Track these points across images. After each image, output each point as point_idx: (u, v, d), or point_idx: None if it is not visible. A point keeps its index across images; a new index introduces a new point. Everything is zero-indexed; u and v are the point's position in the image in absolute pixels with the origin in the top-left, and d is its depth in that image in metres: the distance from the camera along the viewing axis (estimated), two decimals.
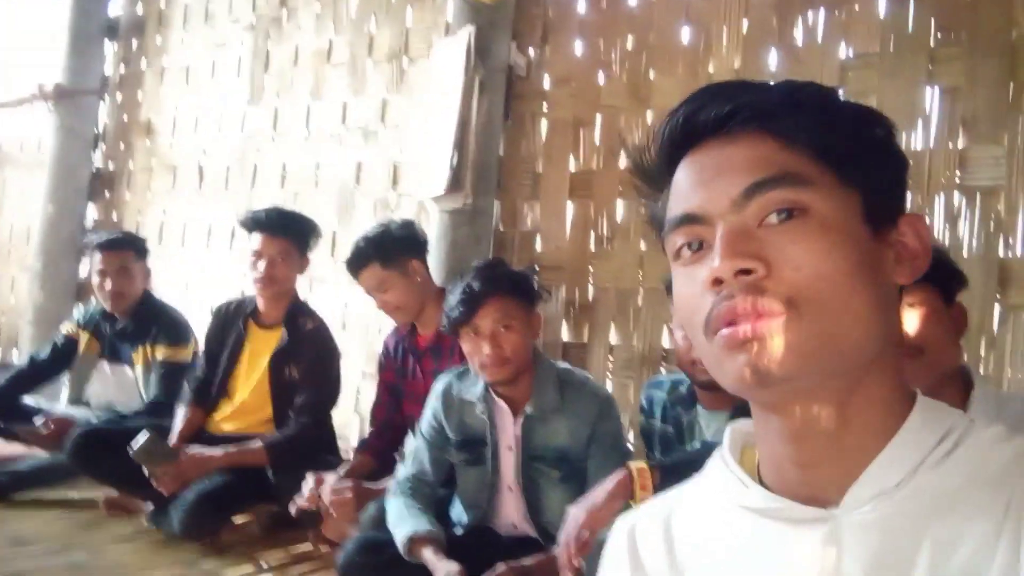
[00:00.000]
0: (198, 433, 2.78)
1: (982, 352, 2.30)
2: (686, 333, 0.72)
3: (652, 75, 3.05)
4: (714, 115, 0.66)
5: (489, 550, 1.96)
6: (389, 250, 2.52)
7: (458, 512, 2.16)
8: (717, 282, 0.61)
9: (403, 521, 1.92)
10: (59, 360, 3.24)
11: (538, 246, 3.27)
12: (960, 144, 2.41)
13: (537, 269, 2.93)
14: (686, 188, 0.67)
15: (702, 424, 1.88)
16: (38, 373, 3.25)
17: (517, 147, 3.31)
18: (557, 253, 3.20)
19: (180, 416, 2.80)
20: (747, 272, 0.60)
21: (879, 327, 0.62)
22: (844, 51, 2.65)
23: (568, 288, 3.17)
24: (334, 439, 2.90)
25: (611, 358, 3.05)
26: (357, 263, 2.54)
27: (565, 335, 3.15)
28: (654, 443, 1.97)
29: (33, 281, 4.95)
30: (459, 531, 2.10)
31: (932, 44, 2.48)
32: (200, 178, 4.64)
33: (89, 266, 3.25)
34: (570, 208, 3.19)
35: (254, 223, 2.78)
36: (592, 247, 3.14)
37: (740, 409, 1.78)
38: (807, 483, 0.65)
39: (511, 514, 2.05)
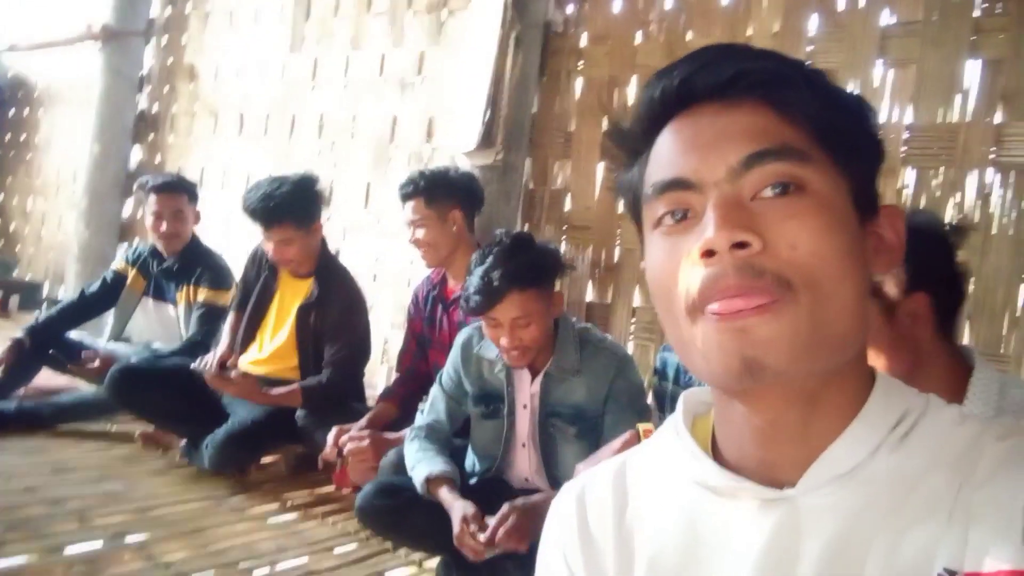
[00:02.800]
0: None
1: (1004, 331, 2.29)
2: (657, 309, 0.66)
3: (690, 36, 3.01)
4: (715, 78, 0.63)
5: (501, 499, 2.04)
6: (437, 191, 2.59)
7: (471, 462, 2.23)
8: (709, 254, 0.58)
9: (420, 463, 2.00)
10: (107, 295, 3.39)
11: (567, 205, 3.29)
12: (998, 119, 2.36)
13: (562, 247, 2.97)
14: (675, 152, 0.64)
15: None
16: (87, 307, 3.40)
17: (551, 104, 3.31)
18: (586, 213, 3.22)
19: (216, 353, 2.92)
20: (742, 246, 0.57)
21: (863, 316, 0.61)
22: (886, 17, 2.59)
23: (595, 248, 3.19)
24: (362, 388, 3.00)
25: (633, 320, 3.08)
26: (405, 193, 2.61)
27: (589, 295, 3.18)
28: (666, 405, 2.01)
29: (79, 219, 5.10)
30: (472, 481, 2.18)
31: (977, 14, 2.42)
32: (241, 123, 4.71)
33: (143, 206, 3.35)
34: (601, 168, 3.20)
35: (249, 216, 2.79)
36: (621, 208, 3.14)
37: None
38: (764, 462, 0.64)
39: (524, 468, 2.12)
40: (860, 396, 0.63)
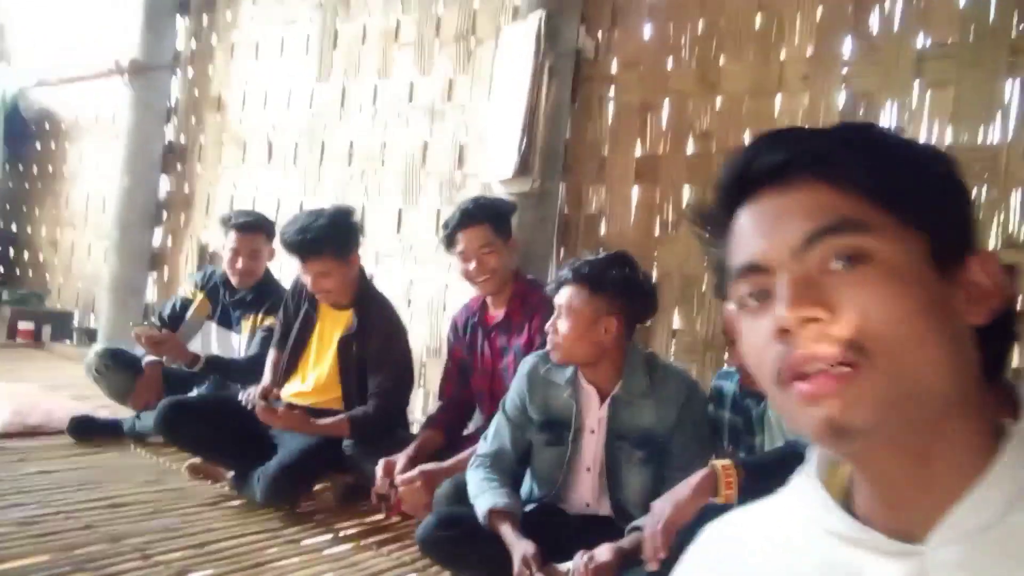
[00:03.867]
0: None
1: None
2: (759, 382, 0.68)
3: (722, 60, 3.05)
4: (768, 164, 0.66)
5: (558, 529, 2.06)
6: (502, 218, 2.65)
7: (528, 488, 2.25)
8: (783, 332, 0.61)
9: (483, 493, 2.02)
10: (175, 320, 3.47)
11: (603, 229, 3.32)
12: None
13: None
14: (746, 238, 0.67)
15: (771, 417, 1.92)
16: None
17: (584, 131, 3.35)
18: (621, 237, 3.24)
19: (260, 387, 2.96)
20: (814, 320, 0.59)
21: (954, 369, 0.61)
22: (921, 40, 2.62)
23: None
24: (406, 416, 3.02)
25: (673, 342, 3.10)
26: (467, 220, 2.60)
27: None
28: (723, 433, 2.03)
29: (110, 249, 5.17)
30: (529, 507, 2.19)
31: (1013, 35, 2.44)
32: (269, 153, 4.77)
33: (224, 241, 3.43)
34: (636, 192, 3.23)
35: (293, 250, 2.80)
36: (657, 231, 3.18)
37: None
38: (892, 516, 0.65)
39: (585, 493, 2.13)
40: (986, 453, 0.63)
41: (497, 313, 2.69)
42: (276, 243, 3.39)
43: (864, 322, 0.59)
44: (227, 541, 2.34)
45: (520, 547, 1.86)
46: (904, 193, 0.63)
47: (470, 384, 2.80)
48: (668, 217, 3.15)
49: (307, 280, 2.85)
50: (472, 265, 2.59)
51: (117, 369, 3.31)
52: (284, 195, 4.61)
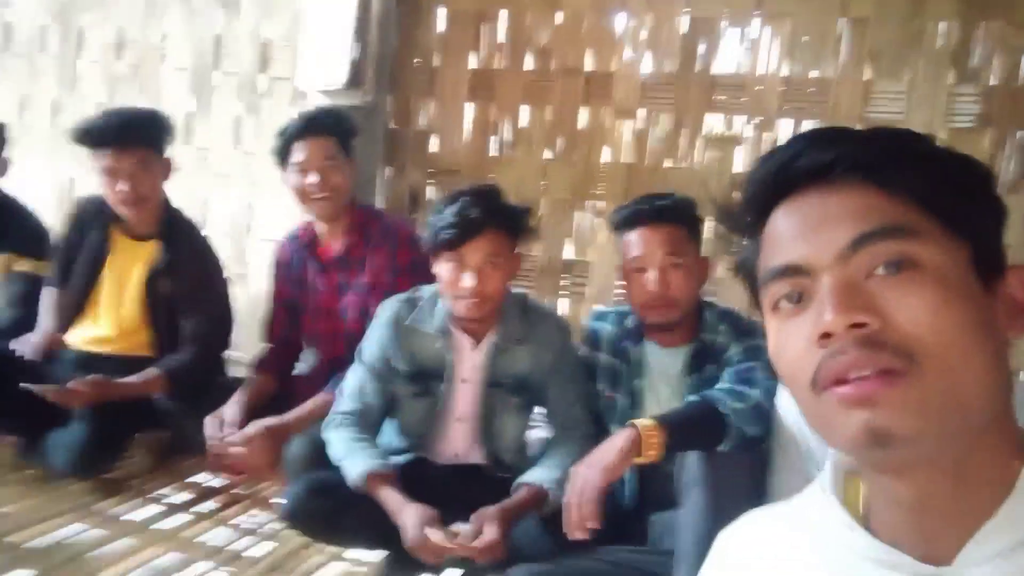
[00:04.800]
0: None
1: None
2: (785, 385, 0.68)
3: None
4: (815, 163, 0.64)
5: (428, 482, 1.94)
6: (348, 133, 2.37)
7: (388, 441, 2.10)
8: (826, 336, 0.60)
9: (353, 454, 1.84)
10: None
11: (435, 147, 3.10)
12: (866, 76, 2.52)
13: (428, 191, 2.80)
14: (786, 238, 0.65)
15: (651, 360, 1.92)
16: None
17: (412, 38, 3.06)
18: (454, 156, 3.06)
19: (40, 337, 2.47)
20: (860, 326, 0.58)
21: (994, 383, 0.60)
22: None
23: None
24: (223, 361, 2.69)
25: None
26: (313, 129, 2.30)
27: None
28: (598, 376, 2.00)
29: None
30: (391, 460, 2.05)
31: None
32: (6, 38, 3.90)
33: None
34: (470, 109, 3.03)
35: (96, 136, 2.34)
36: (493, 152, 3.02)
37: (698, 348, 1.85)
38: (919, 536, 0.64)
39: (456, 444, 2.03)
40: (1012, 468, 0.63)
41: (334, 245, 2.43)
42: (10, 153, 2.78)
43: (913, 328, 0.58)
44: (31, 528, 1.96)
45: (412, 511, 1.72)
46: (951, 200, 0.62)
47: (299, 324, 2.53)
48: (504, 136, 3.01)
49: (113, 184, 2.36)
50: (313, 178, 2.27)
51: None
52: (32, 92, 3.81)
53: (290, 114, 2.51)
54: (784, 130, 2.62)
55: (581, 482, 1.51)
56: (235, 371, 2.73)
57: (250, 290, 3.26)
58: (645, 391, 1.91)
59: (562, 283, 2.96)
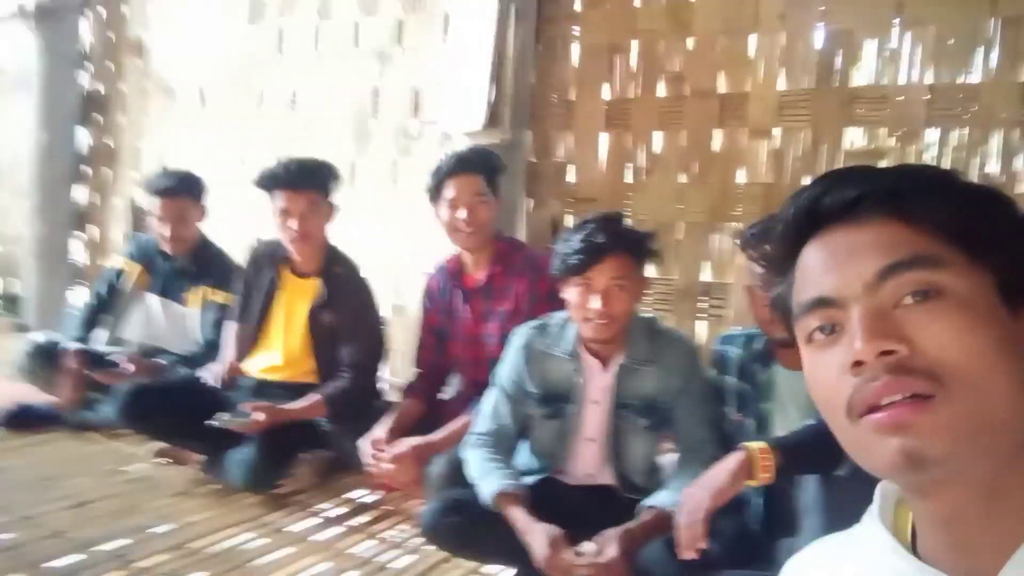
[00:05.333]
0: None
1: None
2: (823, 415, 0.70)
3: None
4: (841, 200, 0.67)
5: (560, 502, 2.01)
6: (495, 171, 2.53)
7: (524, 461, 2.19)
8: (857, 364, 0.62)
9: (488, 475, 1.94)
10: (117, 295, 3.26)
11: (572, 177, 3.20)
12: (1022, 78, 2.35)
13: (568, 220, 2.89)
14: (816, 272, 0.68)
15: (779, 383, 1.89)
16: (102, 310, 3.27)
17: (549, 75, 3.18)
18: (591, 185, 3.14)
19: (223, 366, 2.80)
20: (889, 353, 0.60)
21: (1022, 407, 0.61)
22: None
23: None
24: (378, 386, 2.91)
25: (648, 291, 3.04)
26: (464, 166, 2.48)
27: None
28: (728, 400, 1.99)
29: (32, 211, 4.79)
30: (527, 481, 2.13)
31: None
32: (201, 101, 4.44)
33: (149, 207, 3.23)
34: (605, 139, 3.11)
35: (274, 180, 2.66)
36: (628, 179, 3.08)
37: None
38: (959, 557, 0.64)
39: (587, 464, 2.08)
40: None
41: (478, 275, 2.57)
42: (207, 201, 3.24)
43: (940, 353, 0.60)
44: (209, 536, 2.22)
45: (540, 531, 1.79)
46: (974, 230, 0.64)
47: (446, 351, 2.70)
48: (640, 164, 3.05)
49: (285, 222, 2.65)
50: (462, 214, 2.44)
51: (50, 368, 3.06)
52: (219, 147, 4.30)
53: (439, 155, 2.70)
54: (931, 139, 2.48)
55: (691, 503, 1.53)
56: (390, 395, 2.94)
57: (406, 320, 3.49)
58: (774, 414, 1.88)
59: (700, 306, 2.94)
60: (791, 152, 2.74)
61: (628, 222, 1.98)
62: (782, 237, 0.73)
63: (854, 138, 2.63)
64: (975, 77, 2.40)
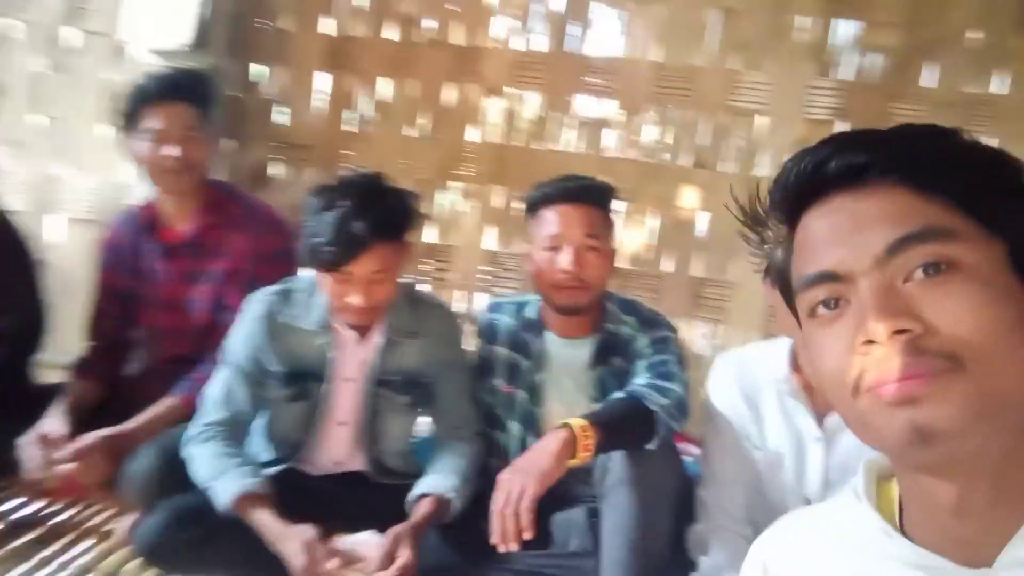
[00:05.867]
0: None
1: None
2: (823, 391, 0.66)
3: None
4: (847, 165, 0.63)
5: (302, 497, 1.73)
6: (210, 101, 2.06)
7: (255, 451, 1.85)
8: (868, 343, 0.59)
9: (224, 473, 1.59)
10: None
11: (281, 119, 2.81)
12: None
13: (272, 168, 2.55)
14: (820, 244, 0.65)
15: (552, 352, 1.83)
16: None
17: None
18: (306, 130, 2.79)
19: None
20: (902, 332, 0.58)
21: None
22: None
23: (319, 171, 2.78)
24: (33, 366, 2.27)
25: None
26: (173, 91, 1.98)
27: None
28: (496, 371, 1.87)
29: None
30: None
31: None
32: None
33: None
34: (325, 80, 2.77)
35: None
36: (351, 127, 2.78)
37: (604, 339, 1.77)
38: (957, 539, 0.63)
39: (336, 450, 1.83)
40: None
41: (183, 228, 2.11)
42: None
43: (955, 330, 0.57)
44: None
45: (295, 536, 1.51)
46: (988, 199, 0.62)
47: (132, 319, 2.19)
48: (363, 111, 2.78)
49: None
50: (171, 150, 1.96)
51: None
52: None
53: (108, 75, 2.14)
54: (654, 117, 2.60)
55: (513, 489, 1.37)
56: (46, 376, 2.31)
57: (54, 277, 2.80)
58: (547, 384, 1.81)
59: (423, 268, 2.79)
60: (523, 114, 2.69)
61: (388, 196, 1.67)
62: (781, 202, 0.69)
63: (585, 106, 2.65)
64: (699, 61, 2.55)
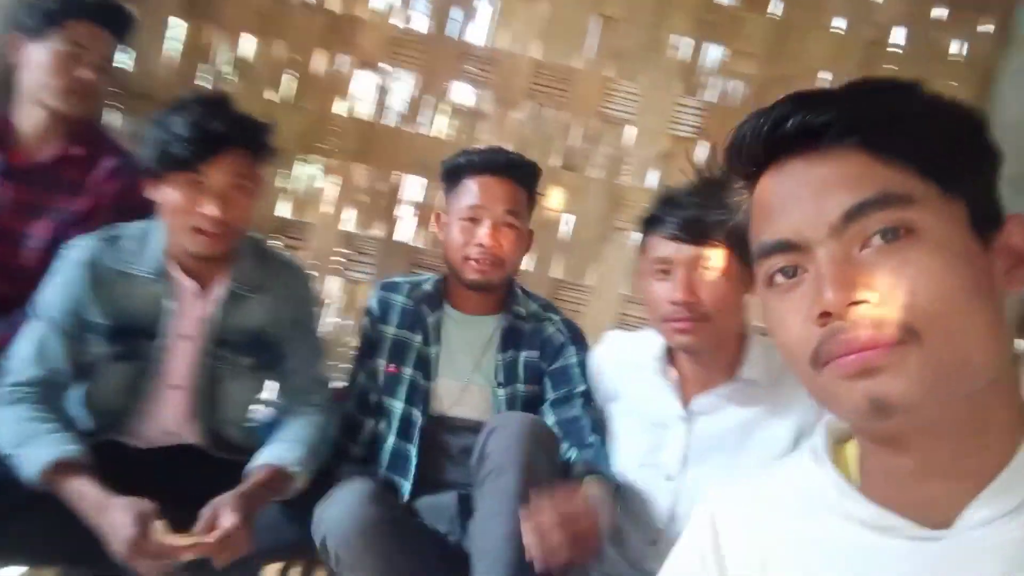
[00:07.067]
0: None
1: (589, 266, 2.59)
2: (784, 358, 0.64)
3: None
4: (803, 127, 0.62)
5: (127, 472, 1.51)
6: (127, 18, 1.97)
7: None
8: (825, 315, 0.58)
9: (34, 439, 1.38)
10: None
11: (123, 62, 2.52)
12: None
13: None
14: (777, 210, 0.63)
15: (449, 326, 1.77)
16: None
17: None
18: (151, 79, 2.51)
19: None
20: (860, 303, 0.58)
21: (999, 345, 0.60)
22: None
23: None
24: None
25: None
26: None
27: None
28: (383, 350, 1.77)
29: None
30: None
31: None
32: None
33: None
34: (178, 28, 2.51)
35: None
36: (204, 83, 2.55)
37: (510, 321, 1.72)
38: (917, 500, 0.63)
39: (169, 418, 1.64)
40: (1015, 431, 0.63)
41: (38, 152, 1.86)
42: None
43: (914, 299, 0.56)
44: None
45: (121, 507, 1.31)
46: (947, 161, 0.60)
47: None
48: (221, 67, 2.56)
49: None
50: (87, 74, 1.82)
51: None
52: None
53: None
54: (527, 112, 2.58)
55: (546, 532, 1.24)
56: None
57: None
58: (440, 357, 1.74)
59: (273, 243, 2.59)
60: (396, 93, 2.59)
61: (241, 110, 1.57)
62: (736, 164, 0.67)
63: (460, 94, 2.59)
64: (576, 63, 2.56)
